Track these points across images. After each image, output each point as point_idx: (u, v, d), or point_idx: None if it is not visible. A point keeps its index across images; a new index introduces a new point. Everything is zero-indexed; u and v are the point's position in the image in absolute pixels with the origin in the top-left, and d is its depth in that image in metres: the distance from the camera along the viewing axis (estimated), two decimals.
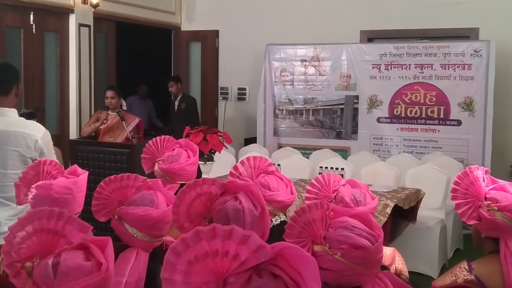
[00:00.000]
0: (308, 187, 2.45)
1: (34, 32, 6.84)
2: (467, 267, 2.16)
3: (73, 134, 7.26)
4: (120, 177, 2.07)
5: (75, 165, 2.52)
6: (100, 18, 7.73)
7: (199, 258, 1.11)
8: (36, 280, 1.39)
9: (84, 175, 2.44)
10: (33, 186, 2.36)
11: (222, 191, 1.85)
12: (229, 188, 1.85)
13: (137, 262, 1.98)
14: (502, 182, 2.23)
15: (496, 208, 2.11)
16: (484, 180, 2.21)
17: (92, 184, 2.41)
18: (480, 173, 2.22)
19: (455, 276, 2.17)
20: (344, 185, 2.45)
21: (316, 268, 1.13)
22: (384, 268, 1.72)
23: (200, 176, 5.30)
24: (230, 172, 2.58)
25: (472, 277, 2.13)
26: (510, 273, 2.09)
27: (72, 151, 6.06)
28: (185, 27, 9.42)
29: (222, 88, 9.23)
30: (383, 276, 1.57)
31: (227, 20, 9.02)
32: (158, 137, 2.94)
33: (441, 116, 7.19)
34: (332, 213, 1.60)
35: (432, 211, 5.68)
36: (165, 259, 1.14)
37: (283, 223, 2.46)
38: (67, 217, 1.47)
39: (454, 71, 7.08)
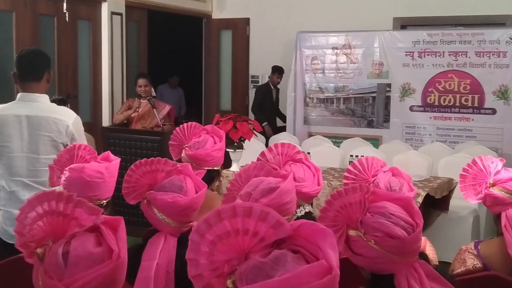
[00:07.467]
0: (349, 167, 2.46)
1: (67, 21, 6.90)
2: (475, 252, 2.20)
3: (105, 121, 7.34)
4: (150, 161, 2.09)
5: (108, 152, 2.56)
6: (132, 7, 7.77)
7: (221, 237, 1.14)
8: (47, 269, 1.39)
9: (116, 161, 2.47)
10: (66, 168, 2.41)
11: None
12: None
13: (166, 246, 1.99)
14: None
15: (492, 182, 2.21)
16: (496, 166, 2.27)
17: (123, 171, 2.43)
18: (493, 163, 2.28)
19: (464, 261, 2.20)
20: (385, 171, 2.41)
21: (333, 239, 1.14)
22: (423, 255, 1.66)
23: (230, 164, 5.33)
24: (258, 158, 2.57)
25: (481, 265, 2.20)
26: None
27: (104, 138, 6.13)
28: (216, 15, 9.41)
29: (252, 77, 9.21)
30: (418, 267, 1.52)
31: (258, 8, 8.98)
32: (185, 124, 2.94)
33: (476, 104, 7.05)
34: (372, 197, 1.54)
35: (465, 200, 5.57)
36: (189, 240, 1.16)
37: (308, 214, 2.43)
38: (76, 201, 1.46)
39: (489, 58, 6.92)
